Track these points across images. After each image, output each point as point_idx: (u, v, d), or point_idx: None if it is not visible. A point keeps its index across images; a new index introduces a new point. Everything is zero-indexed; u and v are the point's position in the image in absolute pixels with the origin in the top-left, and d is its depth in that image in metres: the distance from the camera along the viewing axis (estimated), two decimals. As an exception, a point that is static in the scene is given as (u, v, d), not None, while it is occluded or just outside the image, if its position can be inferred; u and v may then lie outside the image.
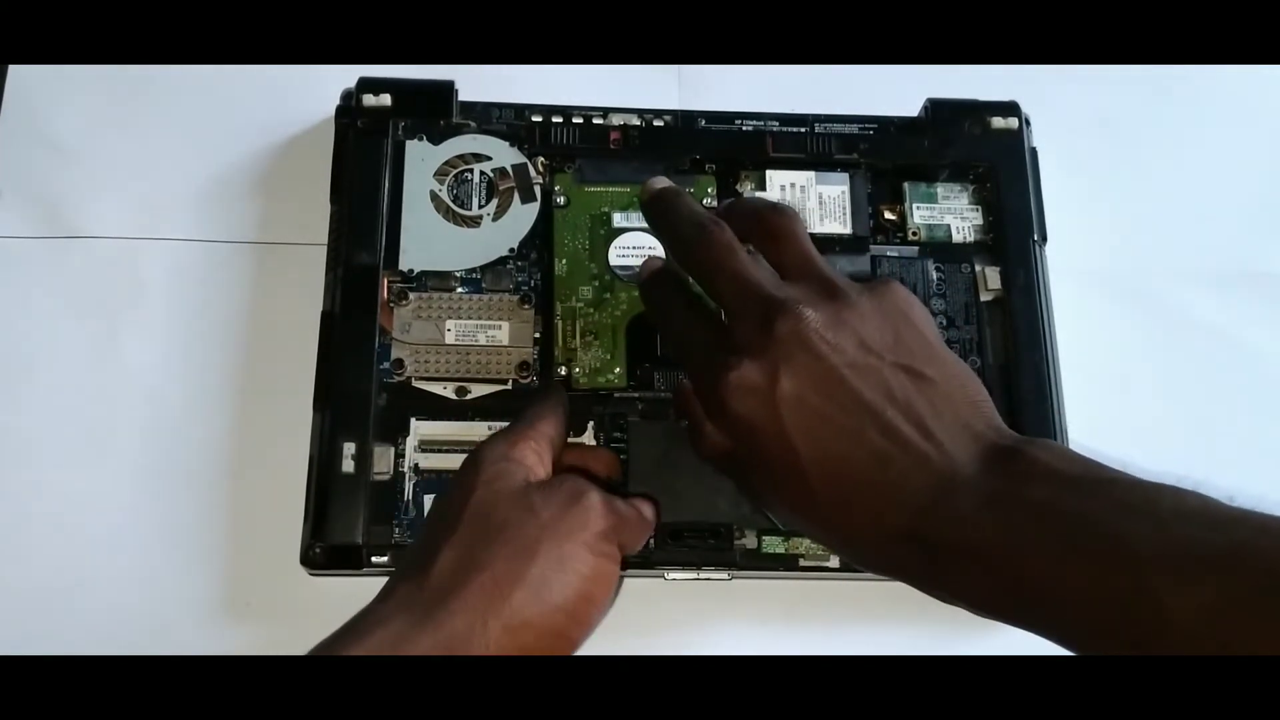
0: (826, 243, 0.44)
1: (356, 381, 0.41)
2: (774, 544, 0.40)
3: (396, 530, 0.39)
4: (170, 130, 0.47)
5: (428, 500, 0.40)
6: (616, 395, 0.41)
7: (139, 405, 0.43)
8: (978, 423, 0.32)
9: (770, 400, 0.31)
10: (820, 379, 0.32)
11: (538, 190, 0.44)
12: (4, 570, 0.41)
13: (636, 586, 0.42)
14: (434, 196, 0.44)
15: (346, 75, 0.45)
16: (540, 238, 0.43)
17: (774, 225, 0.36)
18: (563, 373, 0.41)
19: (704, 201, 0.44)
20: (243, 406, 0.43)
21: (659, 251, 0.43)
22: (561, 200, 0.44)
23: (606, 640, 0.41)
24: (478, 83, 0.45)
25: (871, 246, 0.44)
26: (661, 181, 0.39)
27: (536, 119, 0.45)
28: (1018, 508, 0.29)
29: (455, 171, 0.44)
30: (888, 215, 0.45)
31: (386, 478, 0.40)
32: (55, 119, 0.47)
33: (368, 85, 0.45)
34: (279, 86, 0.48)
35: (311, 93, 0.46)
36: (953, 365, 0.33)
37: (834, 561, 0.40)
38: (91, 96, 0.48)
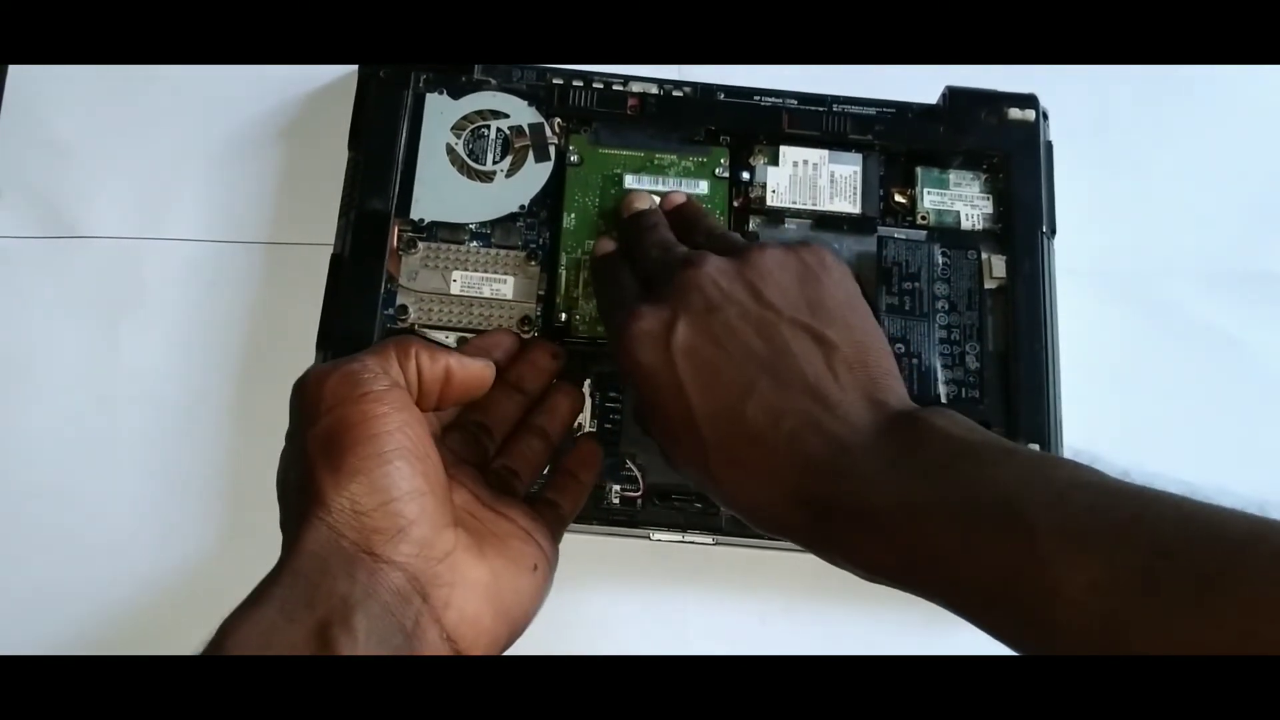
0: (834, 221, 0.44)
1: (360, 324, 0.41)
2: (760, 512, 0.41)
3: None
4: (172, 126, 0.48)
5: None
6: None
7: (139, 405, 0.44)
8: (876, 391, 0.31)
9: (665, 347, 0.32)
10: (715, 329, 0.32)
11: (552, 150, 0.44)
12: (4, 570, 0.41)
13: (622, 545, 0.42)
14: (450, 149, 0.44)
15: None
16: (551, 197, 0.44)
17: (686, 212, 0.39)
18: (563, 319, 0.42)
19: (714, 172, 0.44)
20: (244, 406, 0.44)
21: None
22: (575, 158, 0.44)
23: (589, 596, 0.42)
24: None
25: (879, 227, 0.45)
26: (639, 200, 0.41)
27: (557, 81, 0.46)
28: (913, 473, 0.28)
29: (473, 126, 0.45)
30: (898, 198, 0.45)
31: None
32: (55, 118, 0.47)
33: (393, 37, 0.45)
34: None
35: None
36: (859, 333, 0.33)
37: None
38: (91, 96, 0.48)
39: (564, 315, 0.42)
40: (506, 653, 0.39)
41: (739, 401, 0.31)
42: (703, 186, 0.44)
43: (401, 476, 0.30)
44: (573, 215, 0.43)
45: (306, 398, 0.31)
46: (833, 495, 0.29)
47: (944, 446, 0.28)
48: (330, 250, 0.43)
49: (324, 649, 0.28)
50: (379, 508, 0.30)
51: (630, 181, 0.44)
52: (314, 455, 0.30)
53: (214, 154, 0.47)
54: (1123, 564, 0.24)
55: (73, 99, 0.48)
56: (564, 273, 0.42)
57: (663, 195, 0.42)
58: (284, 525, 0.31)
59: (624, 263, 0.38)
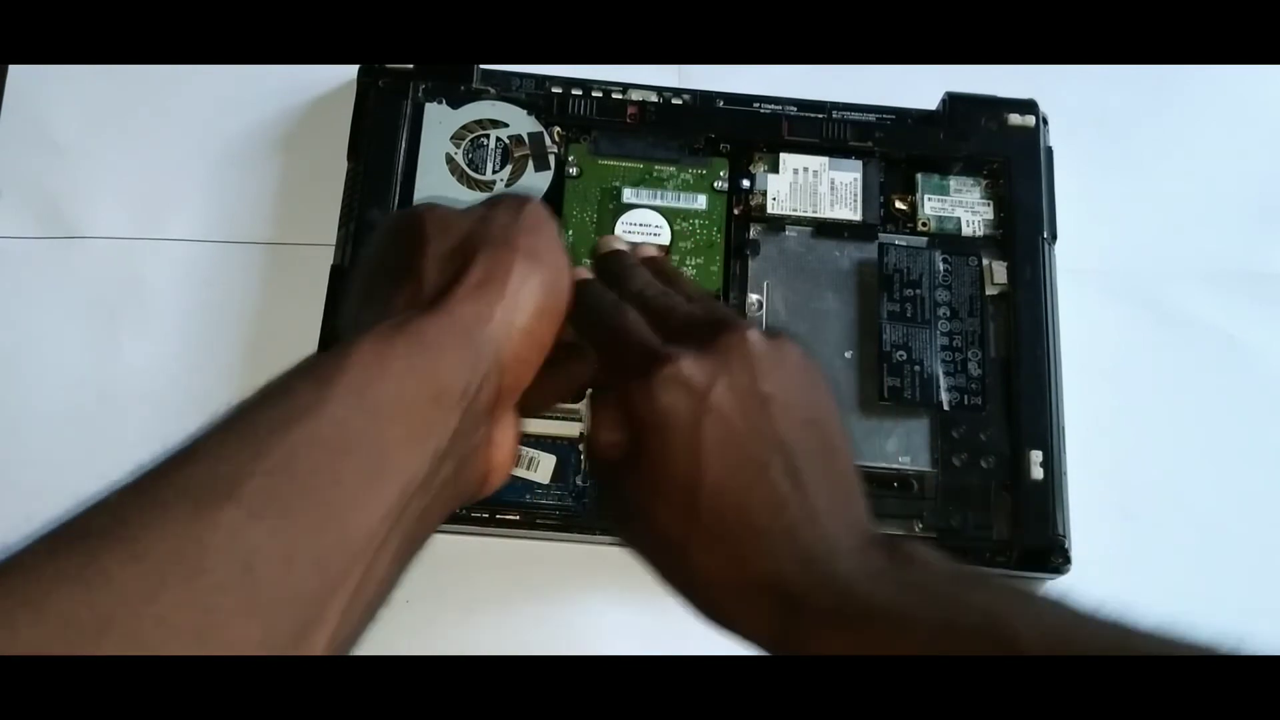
0: (835, 228, 0.44)
1: (361, 336, 0.41)
2: (762, 521, 0.41)
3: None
4: (172, 128, 0.48)
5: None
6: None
7: (139, 404, 0.44)
8: (859, 509, 0.31)
9: (699, 404, 0.30)
10: (749, 401, 0.31)
11: (552, 159, 0.44)
12: None
13: (623, 556, 0.42)
14: (449, 159, 0.44)
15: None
16: (552, 206, 0.44)
17: (665, 267, 0.38)
18: None
19: (714, 184, 0.44)
20: None
21: (664, 229, 0.43)
22: (574, 171, 0.44)
23: (589, 603, 0.42)
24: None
25: (880, 234, 0.45)
26: (616, 242, 0.40)
27: (556, 90, 0.46)
28: (895, 584, 0.28)
29: (472, 136, 0.45)
30: (898, 205, 0.45)
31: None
32: (56, 119, 0.47)
33: (391, 47, 0.45)
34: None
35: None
36: (848, 447, 0.33)
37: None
38: (92, 96, 0.48)
39: None
40: (508, 652, 0.39)
41: (750, 480, 0.30)
42: (701, 200, 0.44)
43: (550, 339, 0.32)
44: (571, 231, 0.43)
45: (536, 214, 0.32)
46: (817, 593, 0.28)
47: (926, 567, 0.29)
48: (330, 250, 0.43)
49: (436, 402, 0.28)
50: (531, 332, 0.31)
51: (629, 195, 0.44)
52: (519, 249, 0.31)
53: (214, 156, 0.47)
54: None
55: (73, 99, 0.48)
56: None
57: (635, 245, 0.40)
58: (415, 268, 0.31)
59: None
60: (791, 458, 0.31)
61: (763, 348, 0.32)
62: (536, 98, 0.45)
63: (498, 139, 0.45)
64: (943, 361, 0.43)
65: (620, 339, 0.34)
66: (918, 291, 0.43)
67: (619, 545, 0.41)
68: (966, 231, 0.45)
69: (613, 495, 0.34)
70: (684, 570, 0.31)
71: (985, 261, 0.44)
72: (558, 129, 0.45)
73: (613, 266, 0.39)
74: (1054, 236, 0.45)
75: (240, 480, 0.24)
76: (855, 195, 0.45)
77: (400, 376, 0.28)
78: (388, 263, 0.32)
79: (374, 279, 0.33)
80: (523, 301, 0.30)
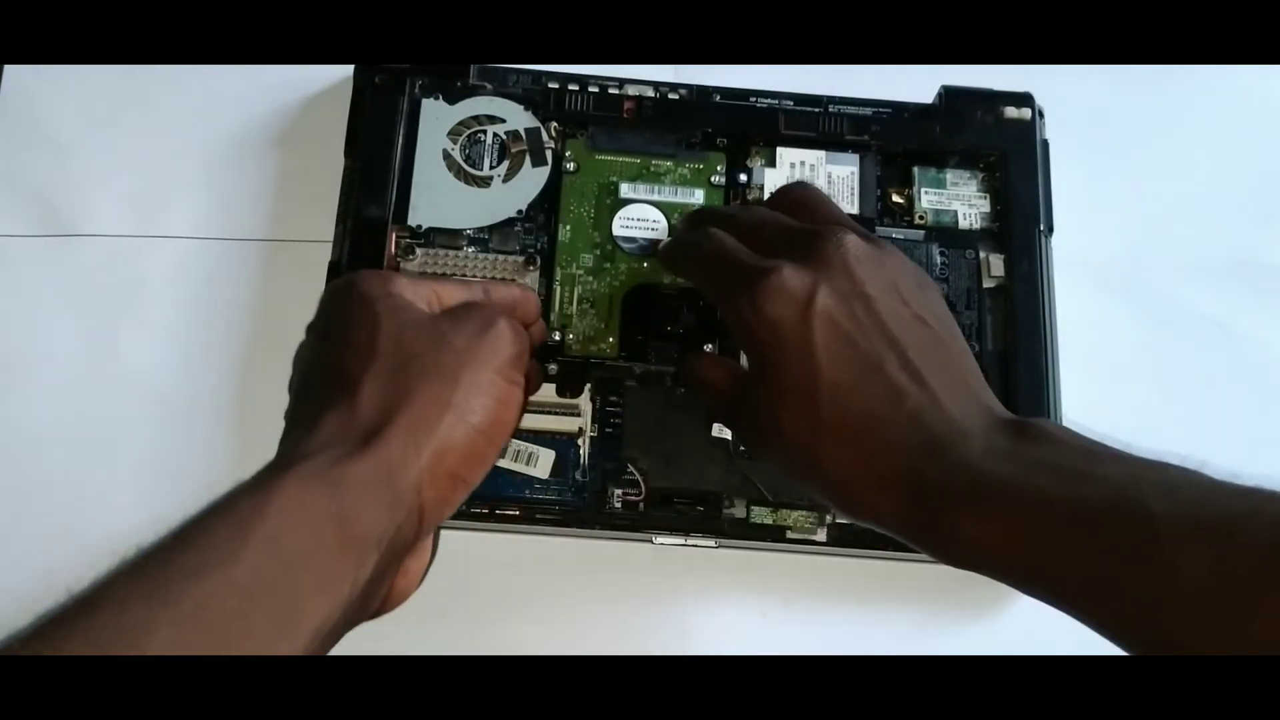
0: (832, 222, 0.45)
1: (359, 332, 0.41)
2: (762, 515, 0.41)
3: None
4: (169, 126, 0.47)
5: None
6: (608, 364, 0.42)
7: (138, 403, 0.44)
8: (984, 395, 0.32)
9: (805, 310, 0.31)
10: (854, 302, 0.32)
11: (549, 154, 0.44)
12: (4, 568, 0.41)
13: (624, 550, 0.42)
14: (446, 155, 0.44)
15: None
16: (549, 201, 0.44)
17: (801, 195, 0.38)
18: (556, 338, 0.42)
19: (711, 179, 0.44)
20: (243, 403, 0.44)
21: (662, 224, 0.43)
22: (571, 166, 0.44)
23: (591, 600, 0.42)
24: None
25: (877, 228, 0.45)
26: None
27: (553, 85, 0.46)
28: (1026, 463, 0.28)
29: (469, 132, 0.45)
30: (895, 198, 0.45)
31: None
32: (52, 117, 0.47)
33: (388, 43, 0.45)
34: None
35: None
36: (963, 342, 0.34)
37: (820, 535, 0.41)
38: (89, 95, 0.48)
39: (557, 334, 0.42)
40: (506, 650, 0.39)
41: (865, 377, 0.31)
42: (698, 195, 0.44)
43: (477, 479, 0.32)
44: (568, 227, 0.43)
45: (496, 342, 0.33)
46: (947, 477, 0.29)
47: (1055, 445, 0.29)
48: (327, 247, 0.43)
49: (353, 549, 0.28)
50: (458, 475, 0.31)
51: (626, 190, 0.44)
52: (461, 385, 0.31)
53: (212, 154, 0.47)
54: (1245, 552, 0.24)
55: (69, 98, 0.48)
56: (559, 288, 0.42)
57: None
58: (355, 385, 0.31)
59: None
60: (904, 352, 0.31)
61: (861, 251, 0.33)
62: (533, 93, 0.45)
63: (495, 135, 0.45)
64: (940, 354, 0.43)
65: (717, 263, 0.35)
66: (915, 285, 0.43)
67: (618, 541, 0.42)
68: (963, 224, 0.45)
69: (743, 422, 0.35)
70: (820, 471, 0.31)
71: (982, 254, 0.44)
72: (554, 124, 0.45)
73: (698, 212, 0.40)
74: (1051, 229, 0.45)
75: (149, 630, 0.24)
76: (852, 189, 0.45)
77: (318, 525, 0.28)
78: (329, 357, 0.33)
79: (316, 373, 0.33)
80: (455, 443, 0.30)
